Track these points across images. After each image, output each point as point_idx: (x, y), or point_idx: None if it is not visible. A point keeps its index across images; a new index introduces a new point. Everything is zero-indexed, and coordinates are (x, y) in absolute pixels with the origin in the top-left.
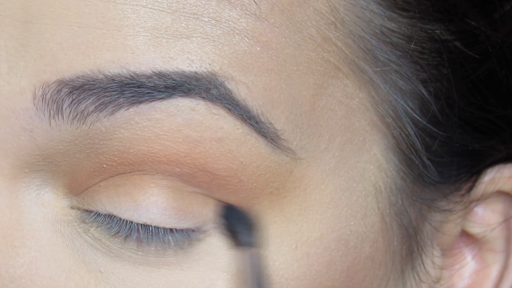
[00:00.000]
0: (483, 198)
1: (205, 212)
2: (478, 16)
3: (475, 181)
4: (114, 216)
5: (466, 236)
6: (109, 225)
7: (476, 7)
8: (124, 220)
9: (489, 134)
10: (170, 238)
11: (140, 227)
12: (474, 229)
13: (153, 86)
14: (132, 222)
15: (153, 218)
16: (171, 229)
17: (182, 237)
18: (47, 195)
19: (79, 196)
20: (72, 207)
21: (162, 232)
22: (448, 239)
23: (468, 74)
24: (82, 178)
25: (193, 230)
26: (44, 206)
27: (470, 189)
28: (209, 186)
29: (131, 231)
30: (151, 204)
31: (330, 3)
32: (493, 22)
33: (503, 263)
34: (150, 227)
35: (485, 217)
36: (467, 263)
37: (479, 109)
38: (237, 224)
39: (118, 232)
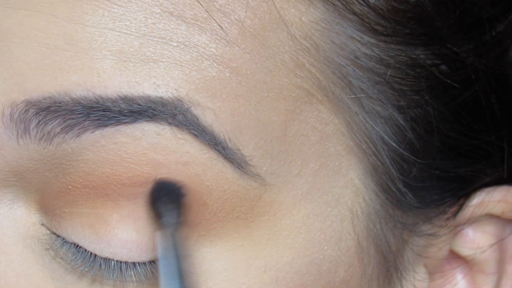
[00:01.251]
0: (472, 221)
1: None
2: (462, 41)
3: (462, 204)
4: (80, 247)
5: (456, 257)
6: (74, 257)
7: (460, 32)
8: (88, 252)
9: (475, 158)
10: (131, 272)
11: (102, 262)
12: (464, 251)
13: (118, 110)
14: (95, 256)
15: (115, 253)
16: (133, 263)
17: (144, 270)
18: (20, 210)
19: (48, 216)
20: (43, 224)
21: (124, 266)
22: (434, 261)
23: (452, 99)
24: (51, 197)
25: (154, 261)
26: (16, 221)
27: (457, 212)
28: None
29: (92, 266)
30: (113, 237)
31: (305, 29)
32: (481, 46)
33: (494, 285)
34: (112, 262)
35: (475, 239)
36: (458, 282)
37: (464, 134)
38: (163, 203)
39: (80, 266)
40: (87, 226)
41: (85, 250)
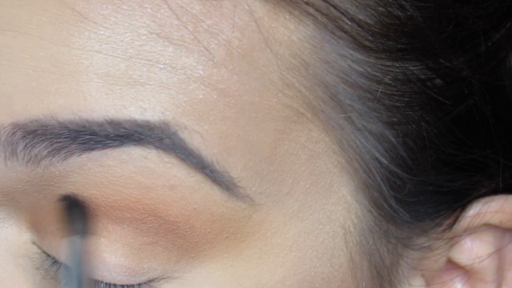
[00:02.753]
0: (470, 231)
1: (154, 267)
2: (456, 55)
3: (458, 215)
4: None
5: (455, 266)
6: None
7: (454, 46)
8: None
9: (471, 171)
10: None
11: (92, 284)
12: (463, 260)
13: (105, 134)
14: None
15: (104, 275)
16: (122, 286)
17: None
18: (11, 228)
19: (39, 234)
20: (34, 242)
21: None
22: (431, 273)
23: (446, 113)
24: (41, 215)
25: (142, 283)
26: (7, 240)
27: (453, 224)
28: (157, 231)
29: None
30: (101, 261)
31: (294, 47)
32: (476, 59)
33: None
34: (101, 284)
35: (473, 249)
36: None
37: (459, 148)
38: (73, 214)
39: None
40: None
41: None
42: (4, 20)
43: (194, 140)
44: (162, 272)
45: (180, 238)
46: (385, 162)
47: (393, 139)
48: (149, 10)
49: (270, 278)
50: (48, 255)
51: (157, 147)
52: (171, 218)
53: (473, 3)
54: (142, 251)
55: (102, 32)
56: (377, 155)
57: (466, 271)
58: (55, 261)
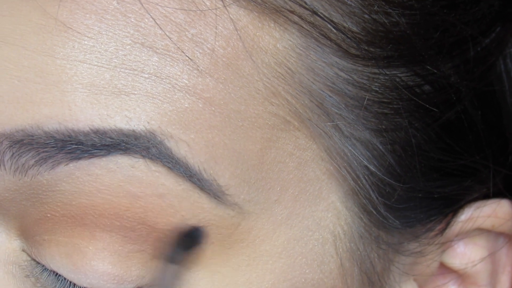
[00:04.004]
0: (462, 236)
1: (142, 274)
2: (444, 61)
3: (449, 220)
4: (60, 275)
5: (449, 270)
6: (54, 285)
7: (442, 52)
8: (68, 281)
9: (462, 177)
10: None
11: None
12: (456, 264)
13: (91, 144)
14: (75, 285)
15: (93, 283)
16: None
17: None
18: (0, 236)
19: (28, 242)
20: (23, 250)
21: None
22: (424, 277)
23: (435, 119)
24: (30, 223)
25: None
26: None
27: (445, 229)
28: (146, 239)
29: None
30: (90, 268)
31: (279, 56)
32: (464, 65)
33: None
34: None
35: (466, 253)
36: None
37: (448, 154)
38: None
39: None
40: (64, 255)
41: (65, 278)
42: None
43: (181, 149)
44: (151, 279)
45: (169, 245)
46: (373, 169)
47: (381, 147)
48: (132, 20)
49: (259, 285)
50: (38, 263)
51: (144, 156)
52: (160, 226)
53: (461, 9)
54: (130, 259)
55: (86, 42)
56: (365, 162)
57: (459, 275)
58: (44, 269)
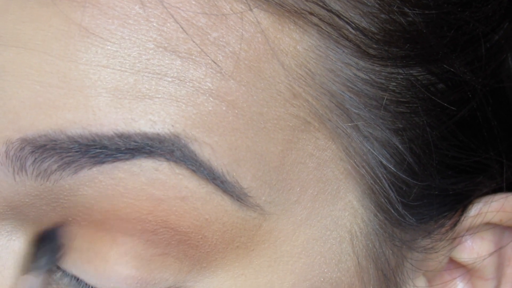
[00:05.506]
0: (471, 230)
1: (165, 277)
2: (458, 59)
3: (460, 216)
4: (81, 280)
5: (457, 265)
6: (74, 283)
7: (456, 50)
8: (89, 286)
9: (474, 173)
10: None
11: None
12: (464, 259)
13: (115, 148)
14: None
15: (116, 287)
16: None
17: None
18: (18, 241)
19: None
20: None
21: None
22: (433, 272)
23: (450, 117)
24: (50, 227)
25: None
26: (15, 253)
27: (455, 224)
28: (169, 242)
29: None
30: (113, 273)
31: (299, 57)
32: (477, 62)
33: None
34: None
35: (474, 247)
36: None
37: (462, 152)
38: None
39: None
40: (86, 261)
41: (86, 283)
42: (8, 36)
43: (205, 152)
44: (174, 282)
45: (192, 249)
46: (392, 168)
47: (399, 145)
48: (155, 24)
49: (280, 286)
50: (58, 268)
51: (168, 159)
52: (183, 229)
53: (474, 7)
54: (153, 262)
55: (109, 47)
56: (384, 161)
57: (467, 270)
58: (65, 274)
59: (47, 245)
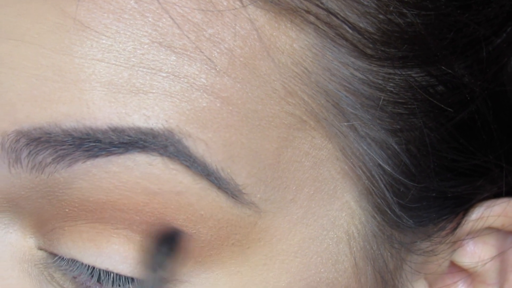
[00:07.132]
0: (473, 235)
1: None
2: (458, 61)
3: (461, 219)
4: (77, 261)
5: (458, 269)
6: (70, 268)
7: (455, 52)
8: (86, 265)
9: (474, 176)
10: (130, 286)
11: (101, 272)
12: (465, 263)
13: (109, 142)
14: (94, 268)
15: (115, 265)
16: (132, 278)
17: (142, 287)
18: (15, 234)
19: (45, 236)
20: (39, 248)
21: (123, 279)
22: (434, 276)
23: (449, 119)
24: (47, 218)
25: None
26: (12, 245)
27: (456, 227)
28: None
29: (92, 275)
30: (114, 251)
31: (295, 55)
32: (477, 65)
33: None
34: (112, 274)
35: (476, 252)
36: None
37: (461, 154)
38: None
39: (80, 275)
40: (87, 240)
41: (82, 263)
42: (5, 29)
43: (199, 148)
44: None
45: (187, 243)
46: (388, 169)
47: (396, 146)
48: (150, 19)
49: (275, 284)
50: (54, 258)
51: (161, 154)
52: (179, 223)
53: (474, 9)
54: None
55: (104, 41)
56: (380, 162)
57: (469, 274)
58: (61, 259)
59: (165, 246)
